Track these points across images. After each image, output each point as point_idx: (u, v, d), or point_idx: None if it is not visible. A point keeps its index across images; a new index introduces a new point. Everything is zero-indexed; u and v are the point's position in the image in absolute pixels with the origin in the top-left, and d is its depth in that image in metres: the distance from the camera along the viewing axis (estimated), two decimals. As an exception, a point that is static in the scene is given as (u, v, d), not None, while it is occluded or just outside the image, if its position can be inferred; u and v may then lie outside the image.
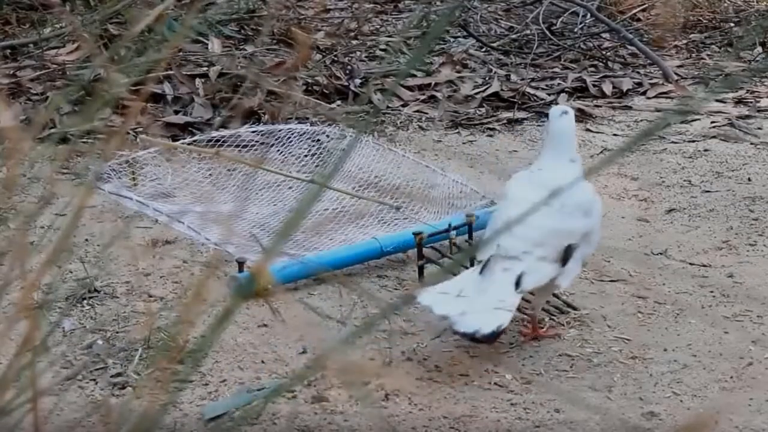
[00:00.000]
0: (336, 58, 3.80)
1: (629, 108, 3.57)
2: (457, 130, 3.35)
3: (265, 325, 2.10)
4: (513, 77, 3.79)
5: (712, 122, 3.38)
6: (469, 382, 1.93)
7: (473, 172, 2.99)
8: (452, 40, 4.19)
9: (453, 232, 2.40)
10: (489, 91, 3.63)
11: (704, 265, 2.37)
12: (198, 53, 3.69)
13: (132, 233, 2.49)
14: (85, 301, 2.21)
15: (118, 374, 1.94)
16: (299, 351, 2.03)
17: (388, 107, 3.50)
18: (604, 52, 4.08)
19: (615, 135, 3.32)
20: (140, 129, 3.08)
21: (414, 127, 3.36)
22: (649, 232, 2.59)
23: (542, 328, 2.11)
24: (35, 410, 1.08)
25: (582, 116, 3.47)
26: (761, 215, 2.67)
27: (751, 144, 3.20)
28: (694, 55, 4.12)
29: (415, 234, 2.35)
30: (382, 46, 4.04)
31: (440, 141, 3.26)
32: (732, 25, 4.40)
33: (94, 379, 1.93)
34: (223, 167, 2.92)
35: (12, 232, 1.12)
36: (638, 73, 3.89)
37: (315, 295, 2.22)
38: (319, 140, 3.23)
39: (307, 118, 3.34)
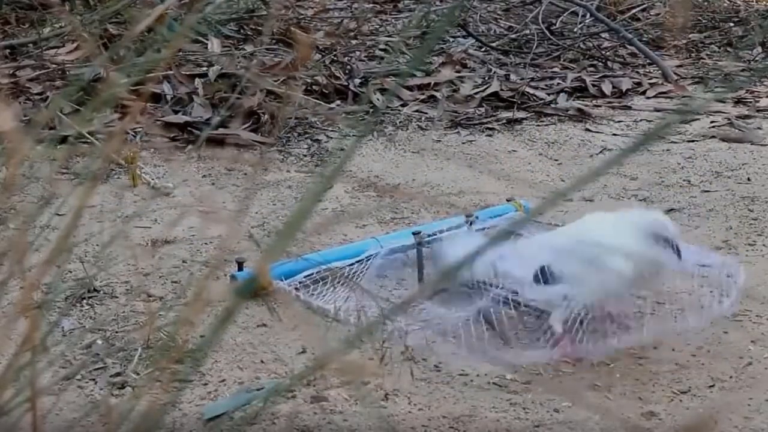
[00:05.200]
0: (336, 58, 3.80)
1: (628, 108, 3.58)
2: (456, 130, 3.35)
3: (265, 325, 2.11)
4: (512, 77, 3.79)
5: (712, 122, 3.38)
6: (469, 382, 1.93)
7: (472, 172, 2.99)
8: (452, 40, 4.19)
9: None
10: (488, 91, 3.63)
11: (703, 265, 2.37)
12: (197, 53, 3.69)
13: (132, 233, 2.49)
14: (85, 301, 2.21)
15: (118, 374, 1.94)
16: (298, 351, 2.03)
17: (387, 107, 3.51)
18: (603, 52, 4.08)
19: (614, 135, 3.32)
20: (140, 129, 3.08)
21: (413, 126, 3.36)
22: (649, 232, 2.58)
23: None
24: (34, 410, 1.08)
25: (581, 116, 3.48)
26: (760, 215, 2.67)
27: (751, 144, 3.20)
28: (693, 55, 4.13)
29: (415, 234, 2.35)
30: (382, 46, 4.04)
31: (440, 141, 3.26)
32: (732, 25, 4.40)
33: (93, 379, 1.93)
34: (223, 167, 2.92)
35: (12, 232, 1.12)
36: (637, 72, 3.89)
37: (314, 295, 2.22)
38: (318, 140, 3.24)
39: (306, 118, 3.34)
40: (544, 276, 2.02)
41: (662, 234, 2.01)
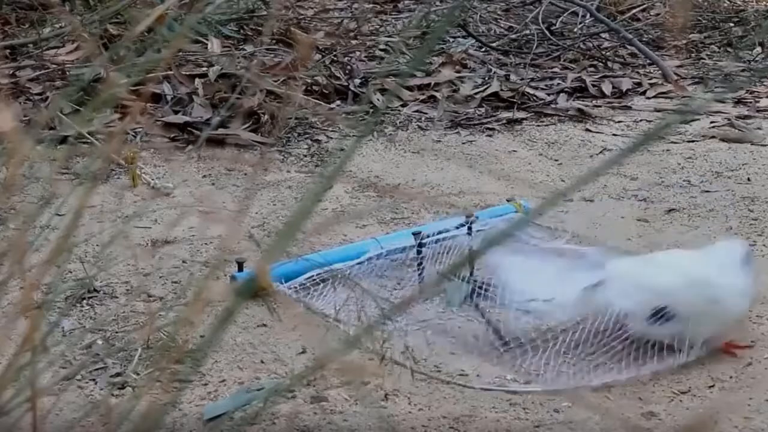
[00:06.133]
0: (336, 59, 3.80)
1: (629, 108, 3.58)
2: (456, 130, 3.35)
3: (265, 325, 2.11)
4: (512, 77, 3.79)
5: (712, 122, 3.38)
6: (469, 382, 1.93)
7: (472, 172, 2.99)
8: (452, 40, 4.19)
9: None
10: (488, 91, 3.63)
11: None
12: (197, 53, 3.69)
13: (132, 233, 2.49)
14: (85, 301, 2.21)
15: (118, 374, 1.94)
16: (298, 351, 2.03)
17: (387, 107, 3.51)
18: (603, 52, 4.08)
19: (614, 135, 3.32)
20: (140, 129, 3.08)
21: (413, 127, 3.36)
22: (649, 232, 2.59)
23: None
24: (34, 410, 1.08)
25: (581, 116, 3.48)
26: (760, 215, 2.67)
27: (751, 144, 3.20)
28: (693, 55, 4.13)
29: (415, 234, 2.35)
30: (382, 47, 4.04)
31: (440, 141, 3.26)
32: (732, 25, 4.40)
33: (94, 379, 1.93)
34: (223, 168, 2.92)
35: (12, 232, 1.12)
36: (637, 73, 3.89)
37: (315, 295, 2.22)
38: (318, 140, 3.24)
39: (306, 118, 3.34)
40: (662, 316, 2.00)
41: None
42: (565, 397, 1.87)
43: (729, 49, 4.18)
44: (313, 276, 2.25)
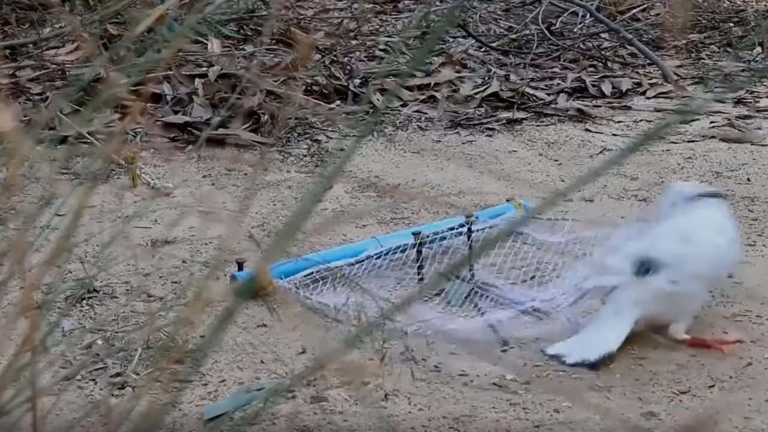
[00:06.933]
0: (335, 59, 3.80)
1: (628, 108, 3.58)
2: (456, 130, 3.35)
3: (265, 325, 2.11)
4: (512, 77, 3.79)
5: (712, 122, 3.38)
6: (469, 382, 1.93)
7: (472, 172, 2.99)
8: (452, 40, 4.19)
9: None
10: (488, 91, 3.63)
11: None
12: (197, 53, 3.68)
13: (132, 233, 2.49)
14: (85, 301, 2.21)
15: (118, 374, 1.94)
16: (298, 351, 2.03)
17: (387, 107, 3.51)
18: (603, 52, 4.08)
19: (614, 135, 3.32)
20: (140, 129, 3.08)
21: (413, 127, 3.36)
22: (649, 232, 2.58)
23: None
24: (34, 410, 1.08)
25: (581, 116, 3.48)
26: (760, 215, 2.67)
27: (751, 144, 3.20)
28: (693, 55, 4.13)
29: (415, 234, 2.35)
30: (382, 47, 4.04)
31: (439, 141, 3.26)
32: (731, 25, 4.40)
33: (94, 379, 1.93)
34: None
35: (12, 232, 1.12)
36: (637, 73, 3.89)
37: (314, 295, 2.22)
38: (318, 140, 3.24)
39: (306, 118, 3.34)
40: (643, 266, 2.00)
41: None
42: (565, 397, 1.87)
43: (729, 49, 4.18)
44: (312, 273, 2.25)
